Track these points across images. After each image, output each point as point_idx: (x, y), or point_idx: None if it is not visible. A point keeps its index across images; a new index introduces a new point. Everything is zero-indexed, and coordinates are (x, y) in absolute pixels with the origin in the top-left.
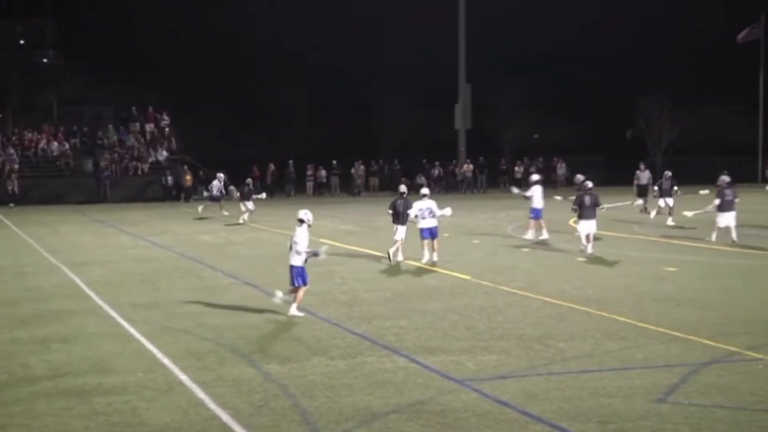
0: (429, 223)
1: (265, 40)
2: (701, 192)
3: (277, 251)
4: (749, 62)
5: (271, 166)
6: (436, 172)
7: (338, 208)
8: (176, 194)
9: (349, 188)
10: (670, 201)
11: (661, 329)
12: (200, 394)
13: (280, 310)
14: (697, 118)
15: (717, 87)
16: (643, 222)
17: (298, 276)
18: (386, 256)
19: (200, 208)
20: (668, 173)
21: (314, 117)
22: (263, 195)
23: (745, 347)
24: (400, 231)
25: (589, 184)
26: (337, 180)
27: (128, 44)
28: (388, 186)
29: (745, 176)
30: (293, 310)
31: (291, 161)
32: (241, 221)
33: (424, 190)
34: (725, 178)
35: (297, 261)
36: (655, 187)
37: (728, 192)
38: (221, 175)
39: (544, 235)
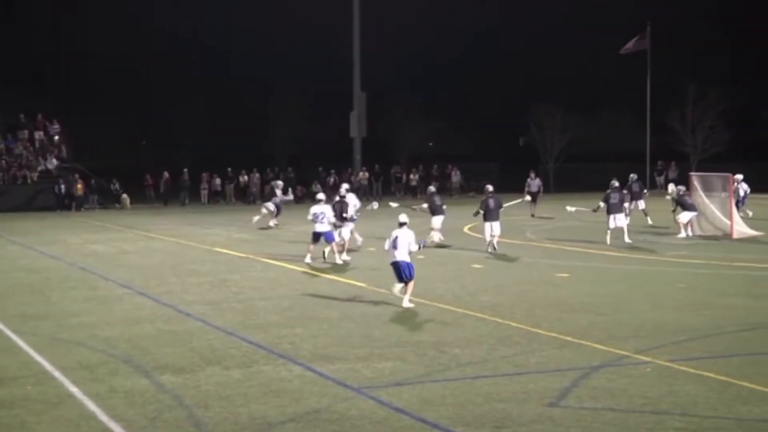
0: (322, 227)
1: (158, 47)
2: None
3: (171, 260)
4: (638, 70)
5: (165, 175)
6: (332, 179)
7: (233, 216)
8: (68, 203)
9: (244, 196)
10: (642, 203)
11: (554, 334)
12: (92, 406)
13: (171, 321)
14: (589, 125)
15: (608, 95)
16: (535, 227)
17: (406, 270)
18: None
19: (256, 218)
20: (634, 176)
21: (208, 125)
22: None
23: (634, 351)
24: (343, 232)
25: (490, 187)
26: (232, 188)
27: (16, 50)
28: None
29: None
30: (407, 303)
31: (186, 169)
32: (272, 224)
33: (320, 196)
34: (614, 183)
35: (405, 257)
36: (625, 191)
37: (614, 195)
38: (280, 183)
39: (436, 239)
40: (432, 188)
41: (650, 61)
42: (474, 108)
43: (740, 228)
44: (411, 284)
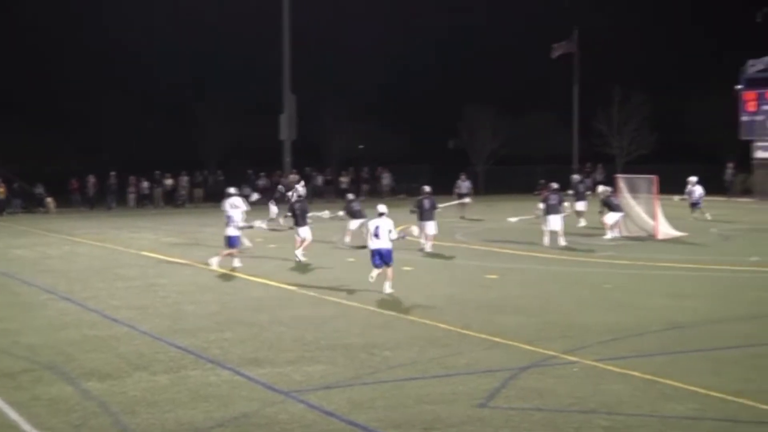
0: (230, 231)
1: (84, 48)
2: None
3: (97, 264)
4: (566, 73)
5: (91, 178)
6: (262, 182)
7: (162, 220)
8: None
9: (172, 200)
10: (582, 205)
11: (483, 335)
12: (14, 415)
13: (96, 326)
14: (518, 128)
15: (536, 97)
16: (465, 229)
17: (387, 256)
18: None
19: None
20: (578, 177)
21: (135, 128)
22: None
23: (562, 351)
24: (302, 231)
25: (427, 188)
26: (161, 191)
27: None
28: (213, 197)
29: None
30: (389, 289)
31: (113, 173)
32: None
33: (237, 201)
34: (554, 185)
35: (387, 244)
36: (570, 191)
37: (552, 197)
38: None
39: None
40: (350, 195)
41: (577, 64)
42: (404, 110)
43: (665, 229)
44: (390, 270)
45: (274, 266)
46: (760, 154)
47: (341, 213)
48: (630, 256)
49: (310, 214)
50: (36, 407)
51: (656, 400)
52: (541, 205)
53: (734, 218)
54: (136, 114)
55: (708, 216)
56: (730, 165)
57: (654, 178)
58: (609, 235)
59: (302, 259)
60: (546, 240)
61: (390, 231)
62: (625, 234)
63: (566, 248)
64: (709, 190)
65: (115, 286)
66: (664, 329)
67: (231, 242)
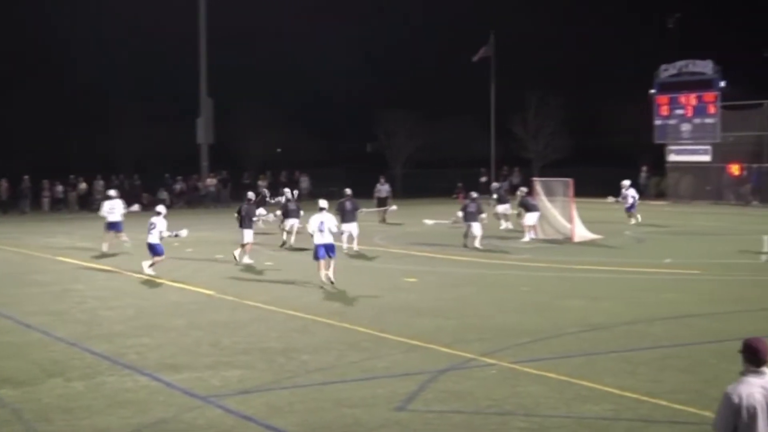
0: (151, 238)
1: None
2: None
3: (10, 270)
4: (483, 77)
5: (4, 182)
6: (179, 186)
7: (77, 224)
8: None
9: (87, 204)
10: (506, 208)
11: (402, 339)
12: None
13: (10, 332)
14: (436, 132)
15: (454, 102)
16: (383, 233)
17: (332, 249)
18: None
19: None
20: (496, 184)
21: (48, 130)
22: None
23: (480, 353)
24: (246, 235)
25: (348, 190)
26: (75, 195)
27: None
28: (129, 201)
29: (481, 188)
30: (333, 277)
31: (26, 176)
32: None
33: (159, 208)
34: (473, 194)
35: (331, 238)
36: (495, 195)
37: (471, 205)
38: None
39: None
40: (288, 195)
41: (494, 68)
42: (322, 114)
43: (580, 231)
44: (333, 262)
45: (192, 270)
46: (673, 158)
47: (278, 212)
48: (547, 258)
49: (255, 218)
50: None
51: (572, 401)
52: (460, 214)
53: (648, 221)
54: (50, 116)
55: (639, 219)
56: (644, 168)
57: (570, 181)
58: (527, 237)
59: (247, 261)
60: (475, 242)
61: (330, 226)
62: (542, 237)
63: (484, 251)
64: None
65: (29, 292)
66: (580, 331)
67: (155, 250)
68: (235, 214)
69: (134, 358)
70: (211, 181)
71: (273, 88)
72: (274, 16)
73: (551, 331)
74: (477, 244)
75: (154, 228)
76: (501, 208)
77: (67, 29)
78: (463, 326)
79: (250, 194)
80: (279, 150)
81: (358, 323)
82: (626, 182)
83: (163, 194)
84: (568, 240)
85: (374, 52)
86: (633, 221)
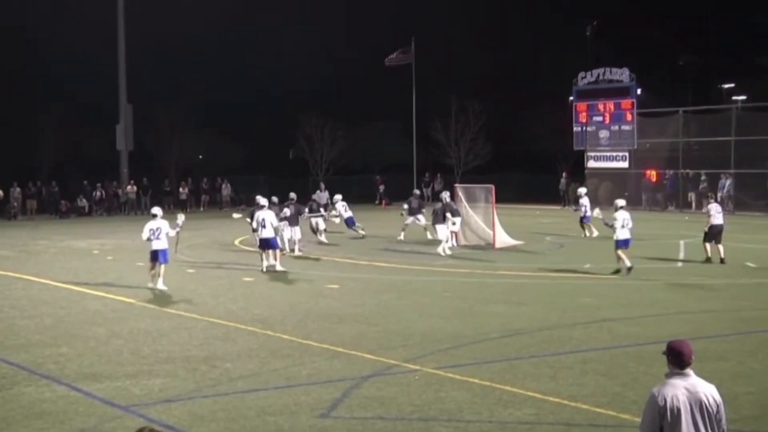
0: (159, 244)
1: None
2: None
3: None
4: (404, 82)
5: None
6: (98, 193)
7: None
8: None
9: (4, 211)
10: (422, 218)
11: (325, 345)
12: None
13: None
14: (357, 137)
15: (375, 107)
16: (308, 239)
17: (276, 242)
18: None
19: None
20: (417, 192)
21: None
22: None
23: (403, 359)
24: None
25: (293, 195)
26: None
27: None
28: (47, 208)
29: (403, 194)
30: (279, 266)
31: None
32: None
33: (155, 210)
34: (416, 192)
35: (272, 233)
36: (405, 206)
37: (438, 206)
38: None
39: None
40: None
41: (415, 74)
42: (243, 120)
43: (502, 237)
44: (279, 252)
45: (113, 278)
46: (592, 164)
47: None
48: (468, 264)
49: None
50: None
51: (495, 406)
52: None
53: (568, 226)
54: None
55: (594, 234)
56: (564, 174)
57: (491, 187)
58: (448, 243)
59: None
60: (438, 248)
61: (272, 222)
62: (464, 243)
63: (406, 258)
64: (546, 199)
65: None
66: (502, 336)
67: (163, 257)
68: (248, 219)
69: (52, 368)
70: (131, 188)
71: (193, 93)
72: (194, 20)
73: (473, 336)
74: (440, 249)
75: (160, 232)
76: (410, 220)
77: None
78: (386, 332)
79: (262, 199)
80: (200, 156)
81: (280, 330)
82: (582, 190)
83: (83, 201)
84: (489, 246)
85: (295, 57)
86: (587, 234)
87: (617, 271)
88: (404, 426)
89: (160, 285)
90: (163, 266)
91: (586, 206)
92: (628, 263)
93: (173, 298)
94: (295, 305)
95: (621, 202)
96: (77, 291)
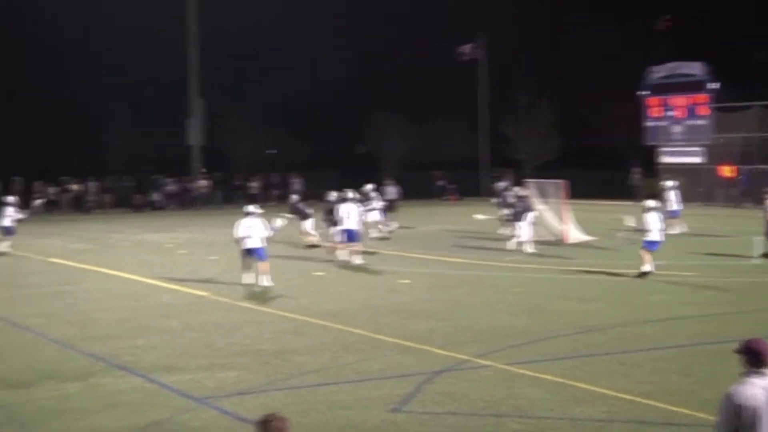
0: (254, 243)
1: None
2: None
3: (4, 271)
4: (473, 78)
5: None
6: (171, 188)
7: (70, 225)
8: None
9: (81, 205)
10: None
11: (396, 340)
12: None
13: (4, 334)
14: (426, 133)
15: (446, 103)
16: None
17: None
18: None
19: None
20: (502, 184)
21: (39, 132)
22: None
23: (475, 355)
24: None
25: (351, 194)
26: (68, 197)
27: None
28: (122, 203)
29: (471, 189)
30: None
31: (17, 177)
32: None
33: (251, 208)
34: (521, 193)
35: (356, 226)
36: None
37: (519, 203)
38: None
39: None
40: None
41: (484, 69)
42: (312, 115)
43: (574, 233)
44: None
45: (186, 272)
46: (664, 159)
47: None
48: (539, 260)
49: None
50: None
51: (567, 403)
52: (506, 211)
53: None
54: (42, 117)
55: (678, 229)
56: (636, 170)
57: (562, 182)
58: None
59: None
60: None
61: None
62: (535, 238)
63: (475, 253)
64: (616, 195)
65: (23, 293)
66: (573, 333)
67: (260, 255)
68: (325, 215)
69: (128, 359)
70: (202, 183)
71: (264, 89)
72: (264, 17)
73: (545, 332)
74: (527, 247)
75: (255, 231)
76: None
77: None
78: (457, 328)
79: (334, 194)
80: (270, 152)
81: (352, 324)
82: (669, 183)
83: (155, 196)
84: (561, 242)
85: (363, 53)
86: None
87: (643, 274)
88: (476, 421)
89: (266, 282)
90: (265, 264)
91: (672, 201)
92: (648, 267)
93: (245, 292)
94: (367, 300)
95: (652, 203)
96: (151, 284)
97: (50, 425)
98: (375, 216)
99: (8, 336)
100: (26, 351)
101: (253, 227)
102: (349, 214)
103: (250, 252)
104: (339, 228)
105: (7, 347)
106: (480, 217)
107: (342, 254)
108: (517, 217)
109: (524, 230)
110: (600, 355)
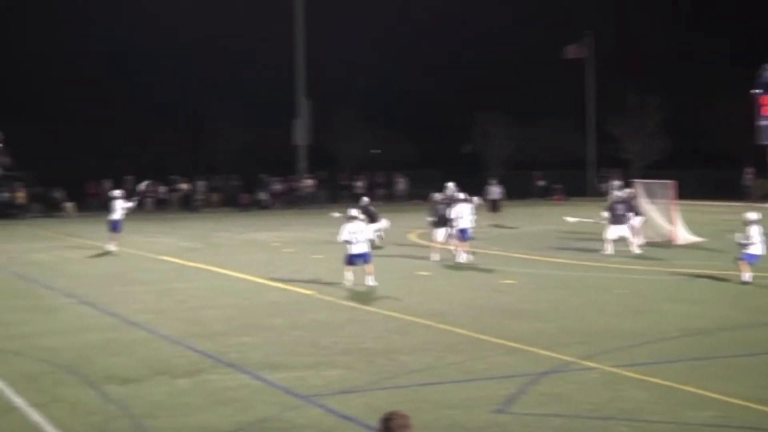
0: (360, 248)
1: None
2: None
3: (116, 268)
4: (579, 77)
5: (107, 183)
6: (277, 187)
7: (179, 224)
8: (10, 212)
9: (188, 204)
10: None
11: (500, 341)
12: (36, 417)
13: (116, 330)
14: (531, 132)
15: (552, 102)
16: (482, 235)
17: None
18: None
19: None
20: (617, 182)
21: (149, 132)
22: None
23: (580, 357)
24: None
25: (462, 195)
26: (177, 196)
27: None
28: (229, 201)
29: (577, 189)
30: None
31: (129, 177)
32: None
33: (354, 212)
34: (621, 195)
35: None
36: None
37: (619, 207)
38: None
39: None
40: (366, 199)
41: (591, 68)
42: (417, 115)
43: (683, 234)
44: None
45: (292, 271)
46: None
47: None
48: (647, 261)
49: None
50: (57, 409)
51: (676, 407)
52: (605, 213)
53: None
54: (152, 119)
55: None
56: (749, 170)
57: (671, 183)
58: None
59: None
60: (609, 248)
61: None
62: (643, 240)
63: (581, 254)
64: (727, 196)
65: (134, 290)
66: (682, 335)
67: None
68: (432, 218)
69: (236, 356)
70: (308, 182)
71: (369, 88)
72: (372, 18)
73: (652, 335)
74: (633, 248)
75: (360, 235)
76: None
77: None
78: (562, 329)
79: (438, 195)
80: (375, 151)
81: (456, 324)
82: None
83: (262, 195)
84: (669, 243)
85: (470, 50)
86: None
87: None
88: (581, 424)
89: (370, 282)
90: (370, 265)
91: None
92: (747, 277)
93: (349, 291)
94: (471, 300)
95: (753, 215)
96: (258, 282)
97: (161, 420)
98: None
99: (121, 332)
100: (138, 347)
101: (357, 232)
102: (463, 213)
103: (355, 257)
104: (454, 228)
105: (119, 343)
106: (571, 219)
107: (461, 253)
108: (617, 220)
109: (623, 231)
110: (709, 359)
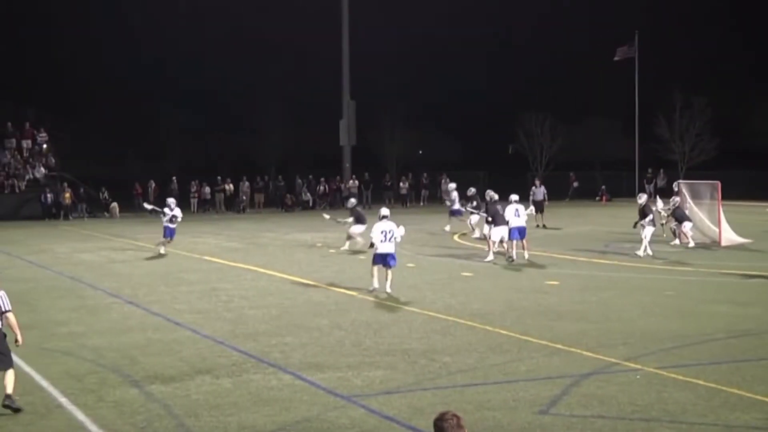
0: (388, 247)
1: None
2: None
3: (160, 269)
4: (625, 78)
5: (152, 183)
6: (322, 188)
7: (223, 225)
8: (55, 212)
9: (233, 205)
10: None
11: (544, 342)
12: (80, 416)
13: (160, 330)
14: (576, 133)
15: (595, 102)
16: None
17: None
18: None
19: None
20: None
21: (195, 132)
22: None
23: (624, 358)
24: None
25: (515, 197)
26: (222, 196)
27: (3, 59)
28: (273, 202)
29: (624, 190)
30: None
31: (174, 177)
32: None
33: (385, 211)
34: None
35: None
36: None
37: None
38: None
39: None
40: (353, 200)
41: (638, 68)
42: (461, 116)
43: (728, 235)
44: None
45: (335, 271)
46: None
47: (349, 219)
48: (692, 262)
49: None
50: (102, 409)
51: (720, 409)
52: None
53: None
54: (197, 119)
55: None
56: None
57: (717, 183)
58: (676, 241)
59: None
60: (648, 250)
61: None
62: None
63: (625, 255)
64: None
65: (178, 291)
66: (727, 337)
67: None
68: (488, 216)
69: (278, 356)
70: (353, 183)
71: (413, 90)
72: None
73: (697, 336)
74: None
75: (392, 235)
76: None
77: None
78: (607, 330)
79: (493, 195)
80: (420, 152)
81: (499, 325)
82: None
83: (307, 195)
84: (715, 244)
85: (514, 52)
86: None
87: None
88: (625, 425)
89: (388, 288)
90: (391, 271)
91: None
92: None
93: (393, 291)
94: (514, 301)
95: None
96: (301, 282)
97: (203, 419)
98: (475, 218)
99: (165, 332)
100: (182, 346)
101: (387, 231)
102: (518, 212)
103: (383, 256)
104: (510, 226)
105: (164, 343)
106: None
107: (513, 252)
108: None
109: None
110: (756, 361)
